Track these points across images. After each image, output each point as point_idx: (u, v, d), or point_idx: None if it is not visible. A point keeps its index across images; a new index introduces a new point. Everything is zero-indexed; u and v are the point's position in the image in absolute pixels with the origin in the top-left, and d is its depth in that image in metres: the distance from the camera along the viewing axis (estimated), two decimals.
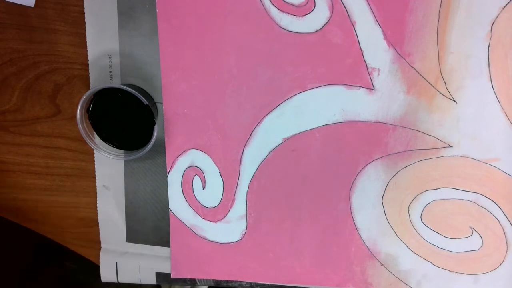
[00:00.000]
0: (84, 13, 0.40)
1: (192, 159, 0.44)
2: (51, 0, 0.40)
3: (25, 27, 0.41)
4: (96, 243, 0.49)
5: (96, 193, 0.47)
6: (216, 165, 0.44)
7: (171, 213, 0.46)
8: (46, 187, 0.47)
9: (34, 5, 0.40)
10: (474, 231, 0.43)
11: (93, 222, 0.49)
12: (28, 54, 0.42)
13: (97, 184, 0.47)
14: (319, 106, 0.41)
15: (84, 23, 0.40)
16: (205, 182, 0.45)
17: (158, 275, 0.50)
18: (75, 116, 0.39)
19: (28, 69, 0.42)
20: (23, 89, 0.43)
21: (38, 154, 0.46)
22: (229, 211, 0.46)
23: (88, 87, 0.42)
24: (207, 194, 0.45)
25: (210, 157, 0.44)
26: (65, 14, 0.40)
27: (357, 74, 0.40)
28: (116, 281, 0.51)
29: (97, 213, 0.48)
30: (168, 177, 0.45)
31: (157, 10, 0.39)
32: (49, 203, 0.48)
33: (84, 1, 0.40)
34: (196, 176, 0.45)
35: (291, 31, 0.39)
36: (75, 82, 0.43)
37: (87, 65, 0.42)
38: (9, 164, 0.46)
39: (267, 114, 0.42)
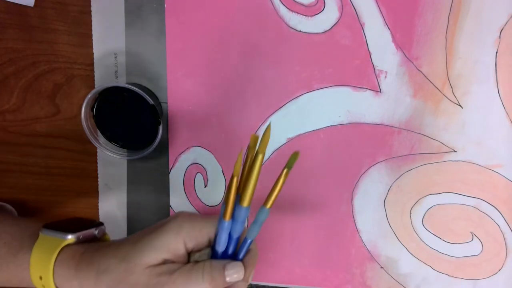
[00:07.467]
0: (84, 13, 0.40)
1: (195, 157, 0.44)
2: (51, 0, 0.40)
3: (24, 27, 0.41)
4: None
5: (96, 193, 0.46)
6: (219, 163, 0.44)
7: (172, 211, 0.46)
8: (46, 187, 0.47)
9: (34, 5, 0.40)
10: (474, 236, 0.43)
11: None
12: (28, 54, 0.42)
13: (99, 183, 0.46)
14: (324, 107, 0.41)
15: (84, 23, 0.40)
16: (207, 180, 0.45)
17: None
18: (75, 116, 0.38)
19: (28, 69, 0.42)
20: (23, 89, 0.43)
21: (38, 154, 0.45)
22: None
23: (88, 87, 0.42)
24: (209, 192, 0.45)
25: (213, 155, 0.43)
26: (65, 14, 0.40)
27: (364, 76, 0.40)
28: None
29: (97, 214, 0.47)
30: (170, 174, 0.45)
31: (165, 5, 0.38)
32: (49, 203, 0.47)
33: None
34: (199, 173, 0.44)
35: (300, 31, 0.39)
36: (74, 82, 0.42)
37: (87, 64, 0.41)
38: (9, 164, 0.46)
39: (272, 114, 0.42)
